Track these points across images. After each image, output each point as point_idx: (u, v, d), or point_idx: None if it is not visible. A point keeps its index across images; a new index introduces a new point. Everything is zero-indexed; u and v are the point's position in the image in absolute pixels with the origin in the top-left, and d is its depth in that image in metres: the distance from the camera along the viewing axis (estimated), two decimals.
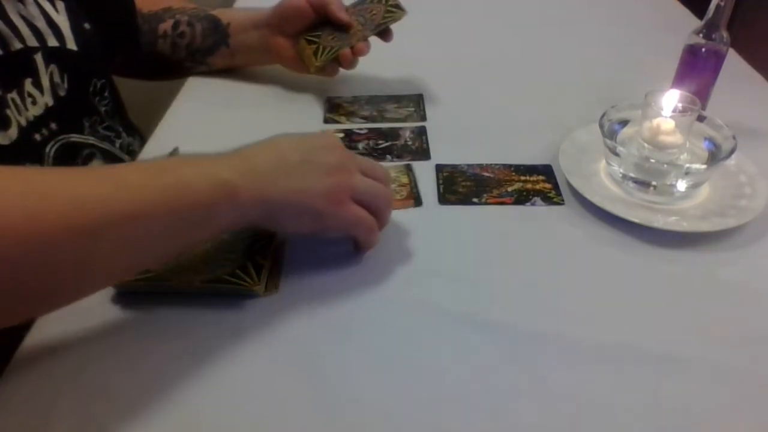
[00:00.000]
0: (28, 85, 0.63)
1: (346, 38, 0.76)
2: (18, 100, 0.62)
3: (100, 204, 0.42)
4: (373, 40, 0.78)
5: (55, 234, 0.40)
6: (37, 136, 0.64)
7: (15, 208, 0.39)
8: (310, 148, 0.53)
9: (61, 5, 0.69)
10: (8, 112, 0.60)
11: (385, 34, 0.77)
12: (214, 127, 0.78)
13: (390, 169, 0.69)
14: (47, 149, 0.65)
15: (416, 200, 0.65)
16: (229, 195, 0.48)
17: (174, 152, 0.70)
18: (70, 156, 0.68)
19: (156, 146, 0.73)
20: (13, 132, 0.60)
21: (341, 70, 0.80)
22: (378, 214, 0.56)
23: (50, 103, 0.65)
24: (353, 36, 0.76)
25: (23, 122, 0.62)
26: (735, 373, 0.49)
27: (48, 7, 0.67)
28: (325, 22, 0.78)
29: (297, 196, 0.51)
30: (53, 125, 0.66)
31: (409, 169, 0.69)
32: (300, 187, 0.51)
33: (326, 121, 0.79)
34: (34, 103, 0.63)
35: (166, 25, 0.83)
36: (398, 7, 0.76)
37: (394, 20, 0.75)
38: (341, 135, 0.76)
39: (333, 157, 0.53)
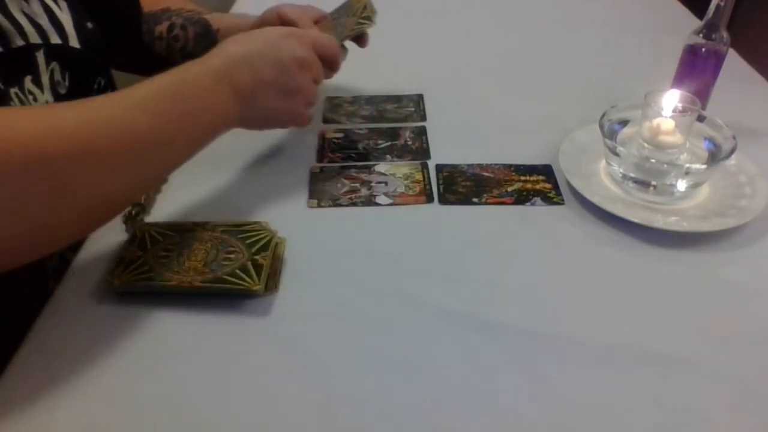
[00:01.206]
0: (28, 82, 0.63)
1: None
2: (21, 95, 0.62)
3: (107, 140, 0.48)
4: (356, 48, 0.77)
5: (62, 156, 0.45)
6: None
7: (24, 129, 0.44)
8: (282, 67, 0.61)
9: (63, 3, 0.69)
10: (11, 104, 0.60)
11: (360, 40, 0.77)
12: None
13: (405, 166, 0.71)
14: None
15: (428, 197, 0.66)
16: (223, 79, 0.57)
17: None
18: None
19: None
20: None
21: (341, 71, 0.80)
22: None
23: (50, 101, 0.65)
24: None
25: None
26: (735, 373, 0.49)
27: (51, 4, 0.67)
28: None
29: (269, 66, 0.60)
30: None
31: (423, 167, 0.70)
32: (273, 58, 0.60)
33: (326, 121, 0.79)
34: (35, 100, 0.63)
35: (162, 27, 0.84)
36: (369, 19, 0.76)
37: (362, 31, 0.75)
38: (341, 135, 0.76)
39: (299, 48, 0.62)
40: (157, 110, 0.52)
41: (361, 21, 0.75)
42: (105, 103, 0.51)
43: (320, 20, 0.78)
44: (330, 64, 0.67)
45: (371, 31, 0.75)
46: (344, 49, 0.76)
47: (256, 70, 0.59)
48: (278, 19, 0.78)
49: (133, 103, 0.51)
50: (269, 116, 0.63)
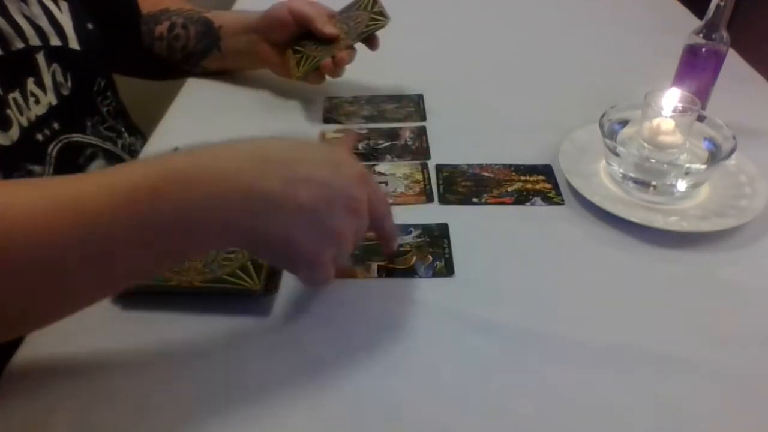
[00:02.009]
0: (30, 84, 0.63)
1: (330, 48, 0.76)
2: (20, 100, 0.61)
3: (63, 245, 0.39)
4: (363, 46, 0.77)
5: (22, 266, 0.38)
6: (39, 136, 0.64)
7: None
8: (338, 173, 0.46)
9: (64, 5, 0.69)
10: (9, 112, 0.60)
11: (371, 42, 0.77)
12: (214, 127, 0.78)
13: (405, 166, 0.70)
14: (49, 149, 0.65)
15: (428, 197, 0.66)
16: (215, 214, 0.42)
17: (174, 152, 0.70)
18: (73, 156, 0.68)
19: (156, 146, 0.73)
20: (14, 132, 0.60)
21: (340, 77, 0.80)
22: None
23: (54, 101, 0.65)
24: (337, 45, 0.76)
25: (24, 122, 0.62)
26: (735, 373, 0.49)
27: (51, 6, 0.67)
28: (311, 32, 0.78)
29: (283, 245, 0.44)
30: (55, 125, 0.66)
31: (423, 167, 0.70)
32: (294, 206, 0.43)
33: (326, 121, 0.79)
34: (37, 102, 0.63)
35: (162, 27, 0.83)
36: (382, 14, 0.75)
37: (377, 28, 0.75)
38: (341, 135, 0.76)
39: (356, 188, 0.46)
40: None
41: (374, 16, 0.75)
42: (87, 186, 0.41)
43: (331, 18, 0.77)
44: (375, 224, 0.50)
45: (382, 31, 0.75)
46: (353, 50, 0.76)
47: (295, 187, 0.43)
48: (290, 15, 0.77)
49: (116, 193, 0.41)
50: (281, 247, 0.45)
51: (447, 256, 0.59)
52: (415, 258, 0.58)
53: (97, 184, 0.41)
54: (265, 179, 0.42)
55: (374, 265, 0.57)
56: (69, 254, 0.39)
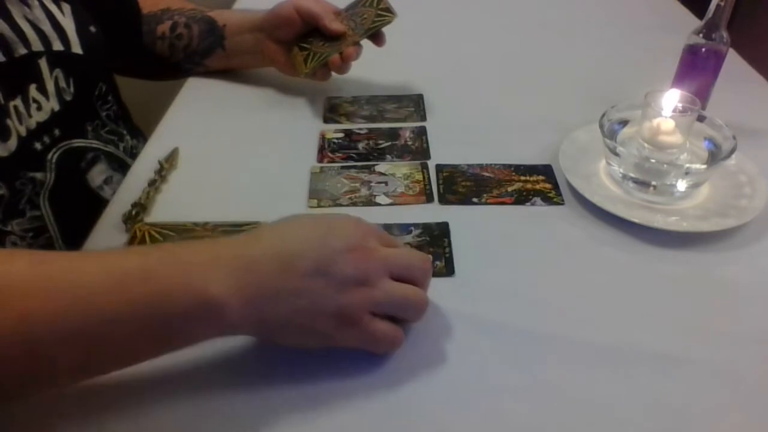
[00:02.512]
0: (33, 90, 0.62)
1: (337, 44, 0.76)
2: (21, 108, 0.61)
3: (51, 324, 0.38)
4: (368, 43, 0.77)
5: (4, 348, 0.37)
6: (38, 145, 0.63)
7: None
8: (329, 253, 0.43)
9: (67, 8, 0.68)
10: (8, 122, 0.60)
11: (377, 38, 0.77)
12: (215, 127, 0.78)
13: (405, 166, 0.70)
14: (49, 156, 0.65)
15: (428, 197, 0.66)
16: (213, 315, 0.41)
17: (174, 152, 0.70)
18: (74, 161, 0.68)
19: (156, 146, 0.73)
20: (12, 143, 0.60)
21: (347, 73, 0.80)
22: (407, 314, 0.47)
23: (56, 108, 0.65)
24: (343, 42, 0.76)
25: (23, 132, 0.61)
26: (735, 373, 0.49)
27: (54, 9, 0.67)
28: (317, 29, 0.78)
29: (302, 317, 0.43)
30: (56, 131, 0.65)
31: (423, 167, 0.70)
32: (307, 306, 0.43)
33: (326, 120, 0.79)
34: (39, 108, 0.63)
35: (164, 27, 0.83)
36: (388, 10, 0.75)
37: (384, 24, 0.75)
38: (341, 135, 0.76)
39: (354, 264, 0.43)
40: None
41: (381, 13, 0.75)
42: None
43: (336, 16, 0.77)
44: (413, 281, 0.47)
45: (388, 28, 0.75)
46: (360, 47, 0.76)
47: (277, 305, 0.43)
48: (295, 12, 0.77)
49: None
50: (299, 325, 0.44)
51: (447, 255, 0.58)
52: None
53: (90, 269, 0.40)
54: (260, 276, 0.42)
55: None
56: (55, 334, 0.38)
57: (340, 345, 0.45)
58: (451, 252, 0.59)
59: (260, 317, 0.42)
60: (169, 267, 0.41)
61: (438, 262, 0.58)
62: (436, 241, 0.60)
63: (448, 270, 0.57)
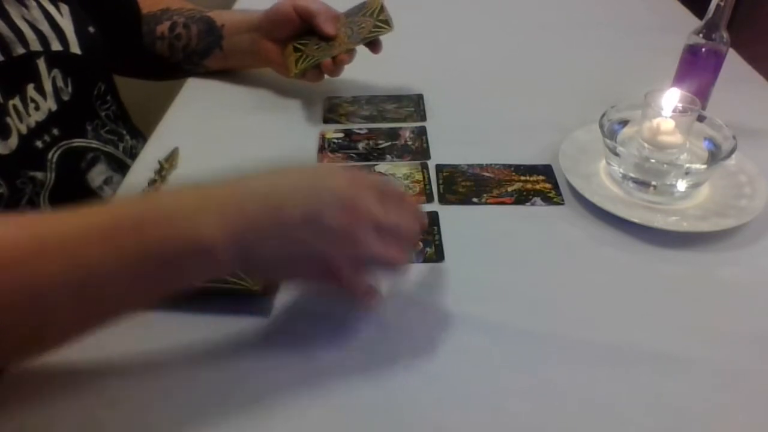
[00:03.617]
0: (30, 90, 0.62)
1: (330, 48, 0.76)
2: (20, 107, 0.61)
3: (49, 282, 0.39)
4: (365, 48, 0.77)
5: (7, 311, 0.38)
6: (39, 143, 0.64)
7: None
8: (317, 203, 0.44)
9: (65, 9, 0.68)
10: (8, 120, 0.60)
11: (373, 46, 0.77)
12: (214, 127, 0.78)
13: (405, 166, 0.70)
14: (49, 155, 0.65)
15: (428, 197, 0.66)
16: (205, 257, 0.41)
17: (173, 152, 0.70)
18: (74, 161, 0.68)
19: (156, 146, 0.73)
20: (12, 141, 0.60)
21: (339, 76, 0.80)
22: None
23: (53, 107, 0.65)
24: (338, 47, 0.75)
25: (24, 130, 0.61)
26: (735, 372, 0.49)
27: (52, 10, 0.67)
28: (313, 30, 0.78)
29: (286, 260, 0.44)
30: (55, 131, 0.65)
31: (423, 167, 0.70)
32: (292, 251, 0.44)
33: (326, 121, 0.79)
34: (36, 108, 0.63)
35: (163, 27, 0.83)
36: (386, 23, 0.75)
37: (380, 35, 0.75)
38: (341, 135, 0.76)
39: (341, 219, 0.43)
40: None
41: (379, 23, 0.75)
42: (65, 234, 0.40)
43: (334, 19, 0.77)
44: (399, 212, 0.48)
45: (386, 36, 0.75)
46: (353, 51, 0.76)
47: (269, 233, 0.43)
48: (295, 11, 0.77)
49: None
50: (285, 262, 0.45)
51: (437, 242, 0.60)
52: None
53: (80, 224, 0.41)
54: (248, 215, 0.42)
55: None
56: (55, 292, 0.39)
57: (321, 292, 0.49)
58: (440, 239, 0.60)
59: (247, 256, 0.42)
60: (159, 215, 0.41)
61: (428, 249, 0.59)
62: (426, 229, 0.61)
63: (438, 256, 0.58)
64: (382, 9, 0.76)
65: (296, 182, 0.45)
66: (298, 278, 0.48)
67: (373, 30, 0.75)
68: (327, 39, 0.76)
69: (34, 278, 0.38)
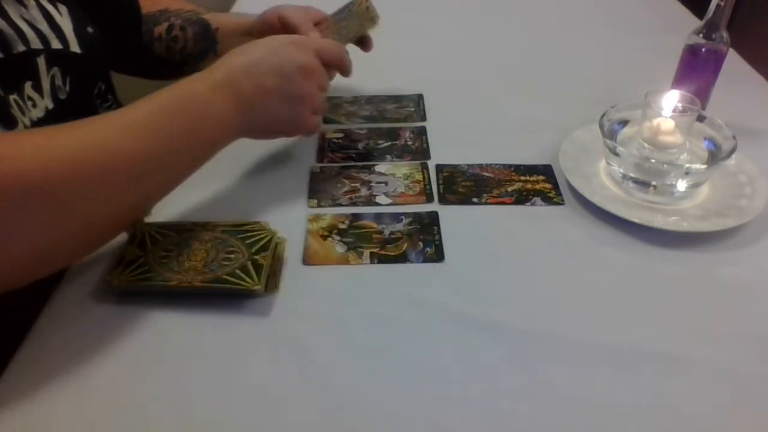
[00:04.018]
0: (28, 88, 0.62)
1: None
2: (20, 102, 0.61)
3: (143, 162, 0.52)
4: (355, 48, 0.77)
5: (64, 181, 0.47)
6: None
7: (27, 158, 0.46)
8: (285, 75, 0.61)
9: (64, 9, 0.68)
10: (13, 111, 0.60)
11: (364, 44, 0.77)
12: None
13: (405, 166, 0.71)
14: None
15: (428, 197, 0.66)
16: (223, 124, 0.58)
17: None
18: None
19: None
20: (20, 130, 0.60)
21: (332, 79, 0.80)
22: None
23: (50, 106, 0.65)
24: None
25: (28, 123, 0.62)
26: (735, 373, 0.49)
27: (51, 9, 0.67)
28: None
29: (273, 123, 0.63)
30: None
31: (423, 167, 0.70)
32: (276, 114, 0.62)
33: (326, 121, 0.79)
34: (34, 106, 0.63)
35: (161, 28, 0.83)
36: (372, 19, 0.75)
37: (366, 30, 0.75)
38: (341, 135, 0.76)
39: (302, 84, 0.62)
40: (157, 132, 0.53)
41: (365, 20, 0.75)
42: (104, 127, 0.51)
43: (322, 22, 0.77)
44: (337, 68, 0.68)
45: (372, 32, 0.75)
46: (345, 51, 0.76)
47: (257, 79, 0.59)
48: (279, 21, 0.77)
49: (132, 125, 0.52)
50: (274, 125, 0.63)
51: (437, 242, 0.60)
52: (406, 245, 0.59)
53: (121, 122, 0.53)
54: (240, 91, 0.58)
55: (366, 252, 0.59)
56: (148, 164, 0.52)
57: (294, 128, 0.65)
58: (440, 239, 0.60)
59: (249, 120, 0.60)
60: (188, 105, 0.55)
61: (428, 249, 0.59)
62: (426, 228, 0.61)
63: (438, 256, 0.59)
64: (367, 9, 0.76)
65: (264, 57, 0.60)
66: (279, 133, 0.65)
67: (359, 29, 0.75)
68: None
69: (130, 163, 0.51)
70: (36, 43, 0.63)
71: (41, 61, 0.64)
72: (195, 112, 0.55)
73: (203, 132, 0.56)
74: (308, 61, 0.62)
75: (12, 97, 0.60)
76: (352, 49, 0.75)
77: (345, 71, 0.69)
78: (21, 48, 0.61)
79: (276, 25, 0.77)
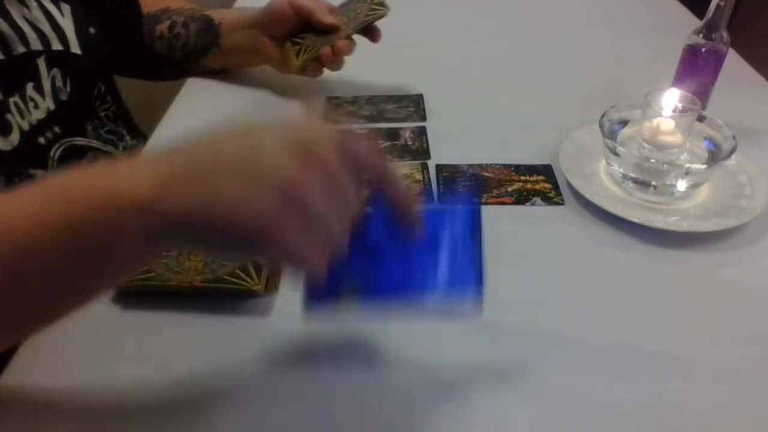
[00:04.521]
0: (29, 89, 0.63)
1: (329, 38, 0.76)
2: (21, 104, 0.61)
3: None
4: (367, 41, 0.77)
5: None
6: (41, 139, 0.64)
7: None
8: (254, 192, 0.35)
9: (66, 9, 0.68)
10: (9, 117, 0.60)
11: (372, 34, 0.77)
12: (214, 128, 0.77)
13: (405, 166, 0.70)
14: (52, 152, 0.65)
15: (428, 197, 0.66)
16: (132, 212, 0.35)
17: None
18: (76, 158, 0.68)
19: (156, 147, 0.73)
20: (14, 137, 0.60)
21: (341, 71, 0.80)
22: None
23: (51, 107, 0.65)
24: (336, 35, 0.76)
25: (26, 126, 0.62)
26: (735, 373, 0.49)
27: (53, 10, 0.67)
28: (311, 25, 0.78)
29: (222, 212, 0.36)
30: (57, 128, 0.66)
31: (423, 167, 0.70)
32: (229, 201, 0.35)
33: (326, 121, 0.79)
34: (36, 107, 0.63)
35: (163, 27, 0.83)
36: (382, 4, 0.75)
37: (377, 18, 0.75)
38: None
39: (276, 214, 0.35)
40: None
41: (374, 7, 0.75)
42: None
43: (330, 11, 0.77)
44: (375, 175, 0.40)
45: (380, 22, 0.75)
46: (353, 42, 0.76)
47: (214, 144, 0.40)
48: (290, 7, 0.77)
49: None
50: (220, 207, 0.36)
51: None
52: None
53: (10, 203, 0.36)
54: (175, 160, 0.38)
55: None
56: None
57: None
58: None
59: (182, 214, 0.35)
60: (88, 179, 0.36)
61: None
62: None
63: None
64: None
65: (236, 152, 0.37)
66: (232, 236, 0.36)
67: (369, 13, 0.75)
68: (325, 32, 0.77)
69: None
70: (36, 44, 0.63)
71: (41, 63, 0.64)
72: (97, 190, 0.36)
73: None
74: (320, 144, 0.37)
75: (12, 100, 0.60)
76: (356, 46, 0.76)
77: (392, 188, 0.41)
78: (21, 49, 0.62)
79: (287, 12, 0.76)
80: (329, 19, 0.76)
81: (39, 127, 0.63)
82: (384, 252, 0.44)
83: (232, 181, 0.35)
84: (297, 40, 0.78)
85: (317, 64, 0.78)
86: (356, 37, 0.76)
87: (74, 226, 0.35)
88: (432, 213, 0.45)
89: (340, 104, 0.82)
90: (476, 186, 0.67)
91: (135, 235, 0.35)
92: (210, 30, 0.82)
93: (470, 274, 0.46)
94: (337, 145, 0.37)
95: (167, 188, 0.35)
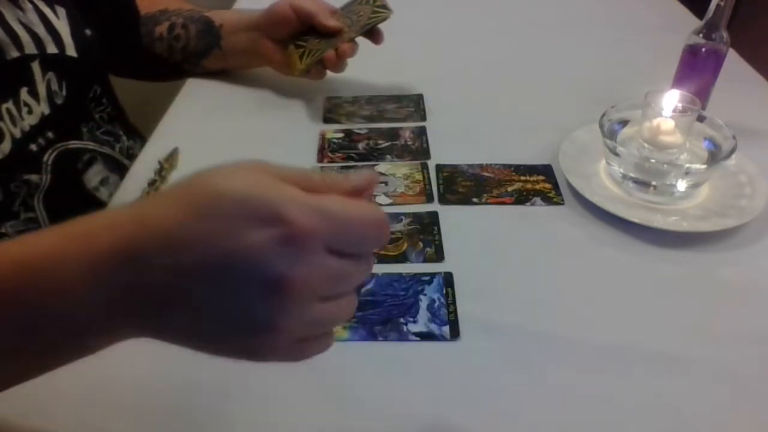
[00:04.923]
0: (24, 94, 0.62)
1: (332, 41, 0.76)
2: (14, 111, 0.61)
3: None
4: (368, 42, 0.77)
5: None
6: (33, 146, 0.63)
7: None
8: (240, 298, 0.31)
9: (62, 11, 0.68)
10: (1, 124, 0.60)
11: (375, 36, 0.77)
12: (214, 128, 0.78)
13: (405, 165, 0.70)
14: (45, 158, 0.65)
15: (428, 197, 0.66)
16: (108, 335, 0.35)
17: (173, 152, 0.70)
18: (70, 162, 0.68)
19: (156, 147, 0.73)
20: (6, 146, 0.60)
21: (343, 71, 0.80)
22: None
23: (46, 111, 0.65)
24: (339, 38, 0.76)
25: (17, 134, 0.61)
26: (735, 373, 0.49)
27: (48, 12, 0.66)
28: (313, 27, 0.78)
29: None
30: (50, 134, 0.65)
31: (423, 167, 0.70)
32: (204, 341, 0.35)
33: (326, 120, 0.79)
34: (30, 112, 0.63)
35: (162, 28, 0.83)
36: (385, 7, 0.75)
37: (380, 21, 0.75)
38: (341, 135, 0.76)
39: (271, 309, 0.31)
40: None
41: (377, 10, 0.75)
42: None
43: (332, 14, 0.77)
44: (373, 240, 0.34)
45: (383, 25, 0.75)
46: (356, 44, 0.76)
47: (179, 256, 0.32)
48: (291, 10, 0.77)
49: None
50: (205, 330, 0.35)
51: (437, 242, 0.60)
52: (406, 245, 0.59)
53: None
54: (142, 282, 0.33)
55: None
56: None
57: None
58: (440, 239, 0.60)
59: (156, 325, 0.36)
60: (42, 292, 0.34)
61: (428, 249, 0.59)
62: (426, 228, 0.61)
63: (438, 256, 0.58)
64: None
65: (204, 258, 0.32)
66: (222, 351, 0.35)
67: (372, 16, 0.75)
68: (327, 35, 0.77)
69: None
70: (31, 48, 0.63)
71: (36, 67, 0.63)
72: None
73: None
74: (306, 224, 0.32)
75: (5, 107, 0.60)
76: (358, 47, 0.75)
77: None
78: (15, 54, 0.61)
79: (289, 15, 0.76)
80: (332, 23, 0.75)
81: (31, 134, 0.63)
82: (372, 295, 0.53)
83: (212, 328, 0.33)
84: (300, 43, 0.78)
85: (320, 66, 0.78)
86: (358, 38, 0.76)
87: (28, 333, 0.34)
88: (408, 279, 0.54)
89: (340, 104, 0.82)
90: (476, 186, 0.67)
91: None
92: (210, 31, 0.82)
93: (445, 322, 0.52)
94: (326, 237, 0.32)
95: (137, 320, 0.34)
